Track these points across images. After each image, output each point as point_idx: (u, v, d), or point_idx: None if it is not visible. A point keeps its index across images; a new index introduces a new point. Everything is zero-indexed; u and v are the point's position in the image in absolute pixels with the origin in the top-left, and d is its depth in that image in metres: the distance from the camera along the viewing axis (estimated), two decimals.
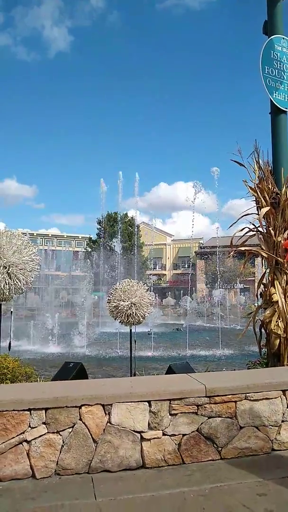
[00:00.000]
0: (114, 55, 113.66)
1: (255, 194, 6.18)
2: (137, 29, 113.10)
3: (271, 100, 6.30)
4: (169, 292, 57.62)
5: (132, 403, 3.75)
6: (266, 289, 6.15)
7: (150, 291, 7.55)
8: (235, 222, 6.34)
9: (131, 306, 6.84)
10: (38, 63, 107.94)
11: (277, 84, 6.34)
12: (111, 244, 42.76)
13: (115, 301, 6.98)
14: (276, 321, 5.77)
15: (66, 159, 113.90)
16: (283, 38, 6.47)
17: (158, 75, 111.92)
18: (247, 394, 4.02)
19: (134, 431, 3.73)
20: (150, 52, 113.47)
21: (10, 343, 6.87)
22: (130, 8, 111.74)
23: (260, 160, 6.31)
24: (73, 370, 5.49)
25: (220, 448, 3.91)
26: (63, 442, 3.59)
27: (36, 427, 3.54)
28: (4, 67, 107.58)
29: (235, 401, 3.98)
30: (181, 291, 50.26)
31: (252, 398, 4.03)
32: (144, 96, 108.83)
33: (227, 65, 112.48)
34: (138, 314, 6.91)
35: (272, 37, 6.38)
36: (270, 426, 4.07)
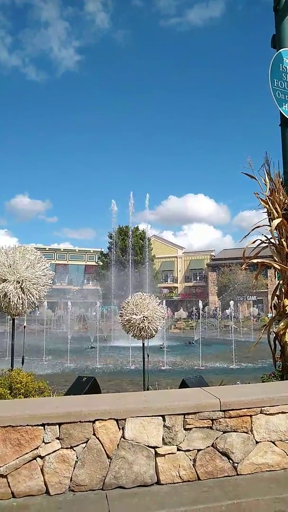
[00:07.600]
0: (120, 72, 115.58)
1: (267, 206, 6.16)
2: (143, 46, 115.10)
3: (280, 113, 6.34)
4: (181, 305, 57.29)
5: (146, 417, 3.71)
6: (279, 300, 6.09)
7: (162, 304, 7.51)
8: (247, 234, 6.32)
9: (144, 319, 6.81)
10: (46, 82, 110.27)
11: (286, 96, 6.38)
12: (123, 258, 42.85)
13: (128, 314, 6.96)
14: None
15: (76, 174, 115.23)
16: None
17: (165, 89, 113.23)
18: (263, 408, 3.96)
19: (148, 446, 3.69)
20: (157, 67, 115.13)
21: (23, 358, 6.87)
22: (134, 27, 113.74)
23: (271, 171, 6.31)
24: (86, 384, 5.47)
25: (236, 464, 3.84)
26: (77, 458, 3.56)
27: (49, 442, 3.52)
28: (14, 87, 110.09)
29: (251, 415, 3.92)
30: (193, 304, 49.94)
31: (267, 412, 3.97)
32: (152, 111, 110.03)
33: (235, 77, 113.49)
34: (151, 328, 6.88)
35: (280, 50, 6.44)
36: (287, 441, 3.99)
